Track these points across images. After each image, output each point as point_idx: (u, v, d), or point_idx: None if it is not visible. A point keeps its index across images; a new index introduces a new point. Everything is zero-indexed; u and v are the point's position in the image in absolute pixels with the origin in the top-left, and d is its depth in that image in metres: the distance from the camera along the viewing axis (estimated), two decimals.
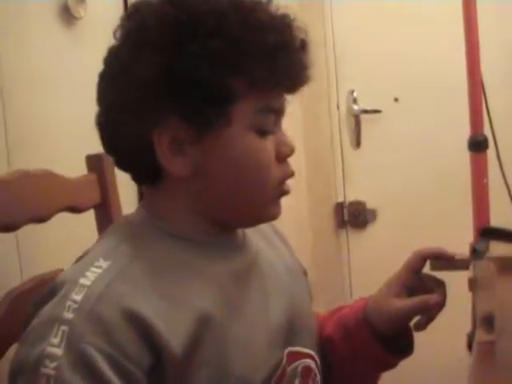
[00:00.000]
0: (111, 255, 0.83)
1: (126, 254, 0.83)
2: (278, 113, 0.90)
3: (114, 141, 0.90)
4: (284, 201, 0.92)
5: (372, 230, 2.95)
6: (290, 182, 0.92)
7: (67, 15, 1.47)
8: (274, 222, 1.12)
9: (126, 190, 1.36)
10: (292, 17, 0.89)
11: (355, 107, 2.84)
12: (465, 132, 2.10)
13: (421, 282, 1.03)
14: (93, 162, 1.30)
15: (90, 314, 0.75)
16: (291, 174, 0.92)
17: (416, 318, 1.01)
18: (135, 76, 0.84)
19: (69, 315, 0.75)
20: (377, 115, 2.84)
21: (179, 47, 0.83)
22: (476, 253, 0.89)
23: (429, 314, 1.00)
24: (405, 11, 2.71)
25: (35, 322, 0.77)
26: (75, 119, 1.41)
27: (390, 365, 1.03)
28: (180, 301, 0.81)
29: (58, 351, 0.73)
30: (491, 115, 2.13)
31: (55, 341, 0.74)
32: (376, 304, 1.03)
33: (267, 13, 0.87)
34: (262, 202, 0.90)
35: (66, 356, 0.72)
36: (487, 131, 2.11)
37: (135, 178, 0.96)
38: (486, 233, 1.01)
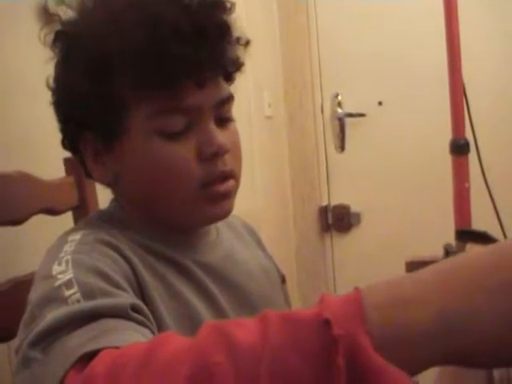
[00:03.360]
0: (90, 227, 0.84)
1: (104, 227, 0.85)
2: (191, 111, 0.83)
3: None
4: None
5: (356, 233, 2.96)
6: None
7: (46, 16, 1.47)
8: (256, 226, 1.13)
9: (103, 192, 1.36)
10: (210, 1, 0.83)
11: (339, 111, 2.85)
12: (447, 136, 2.11)
13: None
14: (70, 164, 1.30)
15: (90, 247, 0.77)
16: (220, 173, 0.85)
17: None
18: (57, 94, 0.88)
19: (67, 254, 0.75)
20: (361, 119, 2.85)
21: (67, 64, 0.85)
22: (448, 253, 0.90)
23: None
24: (388, 18, 2.74)
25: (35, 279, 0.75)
26: (53, 121, 1.40)
27: None
28: (157, 273, 0.83)
29: (67, 268, 0.72)
30: (473, 119, 2.15)
31: (60, 268, 0.72)
32: None
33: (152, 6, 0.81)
34: (187, 205, 0.86)
35: (76, 269, 0.71)
36: (469, 135, 2.12)
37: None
38: (463, 235, 1.01)
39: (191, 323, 0.82)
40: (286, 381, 0.49)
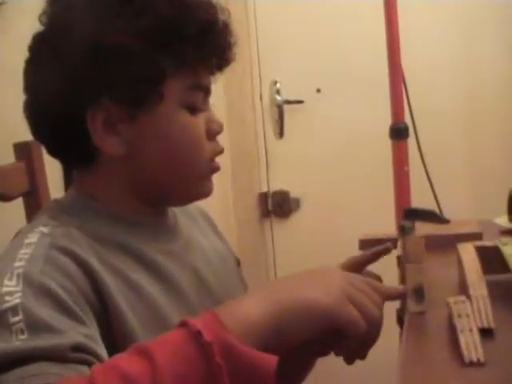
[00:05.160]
0: (49, 223, 0.83)
1: (63, 222, 0.84)
2: (206, 90, 0.92)
3: (45, 127, 0.90)
4: None
5: (296, 218, 2.99)
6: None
7: None
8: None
9: (53, 177, 1.35)
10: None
11: (278, 98, 2.87)
12: (386, 121, 2.17)
13: None
14: (20, 149, 1.28)
15: (43, 257, 0.76)
16: (221, 151, 0.94)
17: None
18: (64, 58, 0.84)
19: (20, 263, 0.74)
20: (299, 105, 2.88)
21: (107, 26, 0.83)
22: (405, 229, 0.93)
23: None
24: (328, 3, 2.76)
25: None
26: (2, 106, 1.38)
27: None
28: (117, 271, 0.83)
29: (17, 288, 0.71)
30: (411, 104, 2.21)
31: (11, 283, 0.71)
32: None
33: None
34: (195, 179, 0.92)
35: (25, 290, 0.71)
36: (408, 120, 2.18)
37: (67, 163, 0.97)
38: (409, 213, 1.05)
39: (156, 321, 0.84)
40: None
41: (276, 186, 2.99)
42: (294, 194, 2.97)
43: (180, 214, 1.02)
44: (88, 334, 0.70)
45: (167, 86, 0.86)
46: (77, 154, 0.90)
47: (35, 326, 0.67)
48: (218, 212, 2.40)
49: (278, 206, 2.99)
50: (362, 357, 0.85)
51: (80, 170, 0.93)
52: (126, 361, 0.64)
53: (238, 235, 2.75)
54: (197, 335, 0.64)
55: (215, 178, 0.95)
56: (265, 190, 3.00)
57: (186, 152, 0.89)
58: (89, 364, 0.67)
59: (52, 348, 0.66)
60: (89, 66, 0.83)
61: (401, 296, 0.90)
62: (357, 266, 1.05)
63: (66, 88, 0.84)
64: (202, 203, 1.06)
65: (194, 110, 0.89)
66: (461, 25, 2.71)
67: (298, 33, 2.83)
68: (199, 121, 0.90)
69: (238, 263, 1.13)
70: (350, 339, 0.78)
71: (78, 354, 0.67)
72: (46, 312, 0.69)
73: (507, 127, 2.70)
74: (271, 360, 0.66)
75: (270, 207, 3.00)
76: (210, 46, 0.88)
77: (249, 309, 0.71)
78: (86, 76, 0.83)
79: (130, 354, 0.65)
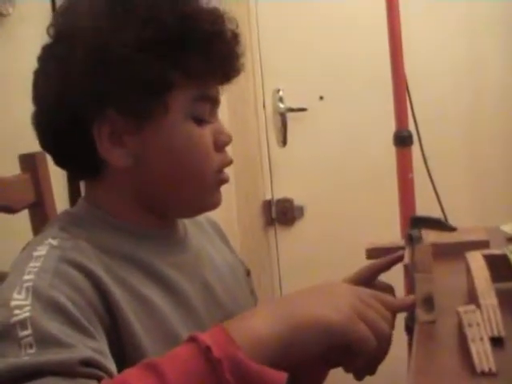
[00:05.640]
0: (59, 236, 0.83)
1: (73, 234, 0.84)
2: (214, 102, 0.91)
3: (52, 138, 0.90)
4: None
5: (300, 226, 2.99)
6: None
7: None
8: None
9: (58, 189, 1.35)
10: (222, 9, 0.91)
11: (281, 106, 2.88)
12: (390, 128, 2.17)
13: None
14: (26, 161, 1.28)
15: (52, 270, 0.75)
16: (229, 162, 0.94)
17: None
18: (70, 71, 0.84)
19: (29, 276, 0.74)
20: (302, 113, 2.88)
21: (111, 38, 0.83)
22: (412, 238, 0.93)
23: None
24: (330, 10, 2.76)
25: None
26: (7, 118, 1.38)
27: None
28: (125, 283, 0.82)
29: (26, 302, 0.71)
30: (415, 112, 2.20)
31: (20, 296, 0.71)
32: None
33: (199, 3, 0.89)
34: (202, 190, 0.91)
35: (34, 303, 0.70)
36: (412, 128, 2.18)
37: (74, 174, 0.98)
38: (416, 221, 1.05)
39: (165, 335, 0.83)
40: None
41: (280, 193, 2.99)
42: (297, 201, 2.97)
43: (189, 224, 1.02)
44: (97, 348, 0.70)
45: (173, 98, 0.86)
46: (83, 166, 0.90)
47: (44, 340, 0.67)
48: (222, 220, 2.38)
49: (281, 213, 2.99)
50: (372, 372, 0.85)
51: (88, 182, 0.93)
52: (135, 376, 0.64)
53: (242, 243, 2.75)
54: (206, 351, 0.65)
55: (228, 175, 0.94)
56: (268, 197, 3.00)
57: (193, 163, 0.89)
58: (98, 378, 0.66)
59: (60, 363, 0.65)
60: (94, 79, 0.83)
61: (409, 307, 0.89)
62: (370, 275, 1.05)
63: (71, 100, 0.85)
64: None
65: (201, 121, 0.89)
66: (464, 32, 2.72)
67: (301, 41, 2.83)
68: (206, 132, 0.89)
69: (248, 273, 1.13)
70: (360, 355, 0.78)
71: (87, 369, 0.66)
72: (54, 326, 0.69)
73: (511, 134, 2.70)
74: (281, 377, 0.67)
75: (273, 215, 3.01)
76: (217, 56, 0.88)
77: (258, 325, 0.71)
78: (91, 88, 0.84)
79: (139, 369, 0.65)
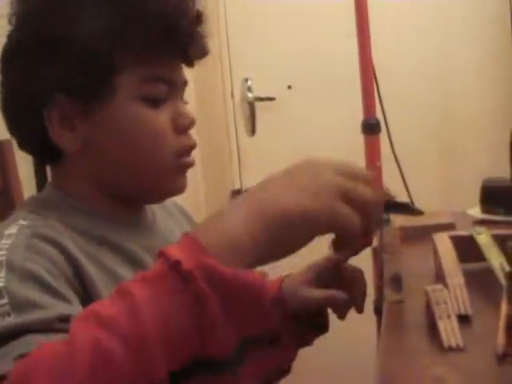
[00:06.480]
0: (29, 217, 0.83)
1: (43, 215, 0.84)
2: (171, 83, 0.88)
3: (16, 123, 0.90)
4: None
5: None
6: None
7: None
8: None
9: (26, 176, 1.34)
10: None
11: (250, 95, 2.87)
12: (358, 116, 2.17)
13: (338, 272, 0.99)
14: None
15: (24, 245, 0.75)
16: (192, 145, 0.91)
17: None
18: (24, 57, 0.85)
19: (1, 252, 0.74)
20: (271, 102, 2.88)
21: (57, 18, 0.83)
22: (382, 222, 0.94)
23: (337, 309, 0.99)
24: (297, 2, 2.76)
25: None
26: None
27: (306, 342, 1.05)
28: (99, 262, 0.82)
29: (0, 274, 0.70)
30: (382, 100, 2.21)
31: None
32: (290, 285, 1.00)
33: None
34: (161, 175, 0.89)
35: (8, 275, 0.70)
36: (380, 116, 2.19)
37: (38, 159, 0.98)
38: (385, 206, 1.05)
39: None
40: (166, 320, 0.58)
41: (248, 183, 2.99)
42: None
43: (158, 209, 1.01)
44: (73, 310, 0.70)
45: (121, 79, 0.84)
46: (43, 151, 0.90)
47: (21, 305, 0.67)
48: (191, 209, 2.38)
49: None
50: (360, 310, 0.85)
51: (53, 167, 0.93)
52: (104, 304, 0.61)
53: None
54: (175, 265, 0.59)
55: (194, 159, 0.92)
56: (237, 187, 3.00)
57: (144, 147, 0.86)
58: None
59: (39, 321, 0.66)
60: (42, 64, 0.83)
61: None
62: (332, 267, 1.02)
63: (23, 86, 0.85)
64: (173, 200, 1.06)
65: (153, 102, 0.86)
66: (431, 20, 2.74)
67: (269, 30, 2.83)
68: (161, 114, 0.87)
69: None
70: (347, 242, 0.74)
71: (65, 325, 0.66)
72: (30, 292, 0.69)
73: (478, 120, 2.74)
74: (259, 279, 0.62)
75: None
76: (168, 36, 0.85)
77: (229, 227, 0.64)
78: (40, 73, 0.84)
79: (112, 296, 0.61)
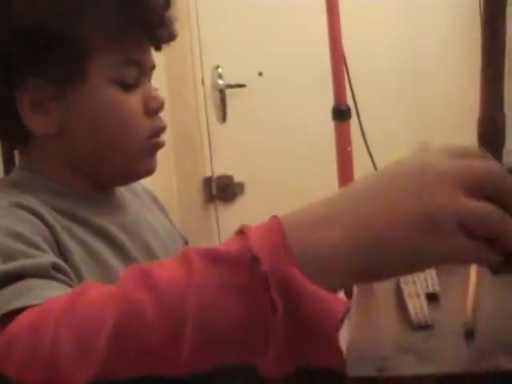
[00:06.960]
0: (2, 191, 0.83)
1: (15, 191, 0.84)
2: (142, 66, 0.89)
3: None
4: (151, 177, 0.93)
5: (240, 202, 3.00)
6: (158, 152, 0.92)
7: None
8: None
9: None
10: None
11: (220, 82, 2.87)
12: (329, 103, 2.19)
13: None
14: None
15: (3, 211, 0.76)
16: (163, 128, 0.92)
17: None
18: None
19: None
20: (242, 89, 2.89)
21: (26, 8, 0.82)
22: None
23: None
24: None
25: None
26: None
27: None
28: (74, 235, 0.82)
29: None
30: (353, 86, 2.23)
31: None
32: None
33: None
34: (133, 157, 0.90)
35: None
36: (350, 102, 2.21)
37: (8, 143, 0.98)
38: None
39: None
40: (212, 319, 0.50)
41: (220, 170, 3.00)
42: (237, 178, 2.98)
43: (126, 192, 1.01)
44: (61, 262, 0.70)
45: (93, 62, 0.84)
46: (12, 135, 0.90)
47: (11, 256, 0.67)
48: (162, 197, 2.36)
49: (221, 190, 3.00)
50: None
51: (21, 150, 0.92)
52: (165, 268, 0.54)
53: (182, 220, 2.75)
54: (253, 261, 0.51)
55: (158, 162, 0.93)
56: (208, 174, 3.00)
57: (118, 129, 0.87)
58: (70, 285, 0.67)
59: (36, 266, 0.66)
60: (13, 48, 0.82)
61: None
62: None
63: None
64: (145, 187, 1.07)
65: (125, 86, 0.87)
66: (402, 5, 2.75)
67: (239, 17, 2.83)
68: (134, 98, 0.88)
69: (186, 243, 1.13)
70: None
71: (59, 274, 0.67)
72: (18, 245, 0.69)
73: (449, 107, 2.76)
74: (339, 307, 0.50)
75: (214, 192, 3.01)
76: (139, 20, 0.85)
77: (331, 236, 0.53)
78: (11, 57, 0.83)
79: (173, 259, 0.55)
